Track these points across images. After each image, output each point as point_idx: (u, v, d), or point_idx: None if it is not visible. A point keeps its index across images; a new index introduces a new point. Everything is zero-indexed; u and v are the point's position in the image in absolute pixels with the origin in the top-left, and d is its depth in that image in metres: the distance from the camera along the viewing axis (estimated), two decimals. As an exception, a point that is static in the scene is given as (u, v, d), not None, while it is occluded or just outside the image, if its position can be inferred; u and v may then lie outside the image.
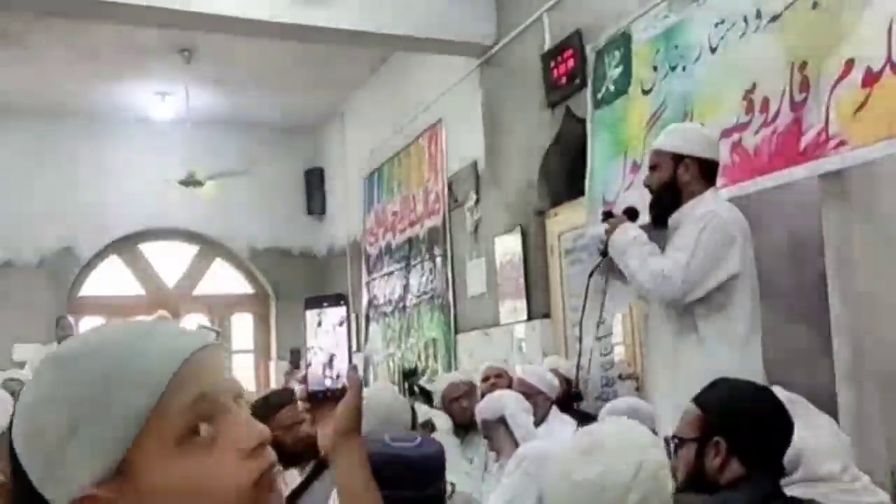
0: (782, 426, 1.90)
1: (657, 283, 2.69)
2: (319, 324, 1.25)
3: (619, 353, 4.83)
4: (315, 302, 1.26)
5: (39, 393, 0.73)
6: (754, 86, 3.70)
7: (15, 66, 7.54)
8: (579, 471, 1.55)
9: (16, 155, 8.70)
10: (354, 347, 8.33)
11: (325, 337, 1.24)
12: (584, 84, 4.99)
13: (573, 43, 5.10)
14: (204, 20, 5.55)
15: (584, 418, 4.03)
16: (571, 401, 4.47)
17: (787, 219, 4.11)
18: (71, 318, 8.06)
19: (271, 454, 0.78)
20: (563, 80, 5.19)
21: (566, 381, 4.50)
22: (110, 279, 9.48)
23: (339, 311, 1.24)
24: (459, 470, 3.79)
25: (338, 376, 1.22)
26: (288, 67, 7.83)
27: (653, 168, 2.90)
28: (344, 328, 1.24)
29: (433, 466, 1.99)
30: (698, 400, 1.99)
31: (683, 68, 4.17)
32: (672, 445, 1.97)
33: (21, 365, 7.79)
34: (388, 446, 1.97)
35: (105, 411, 0.71)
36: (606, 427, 1.81)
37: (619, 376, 4.77)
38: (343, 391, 1.21)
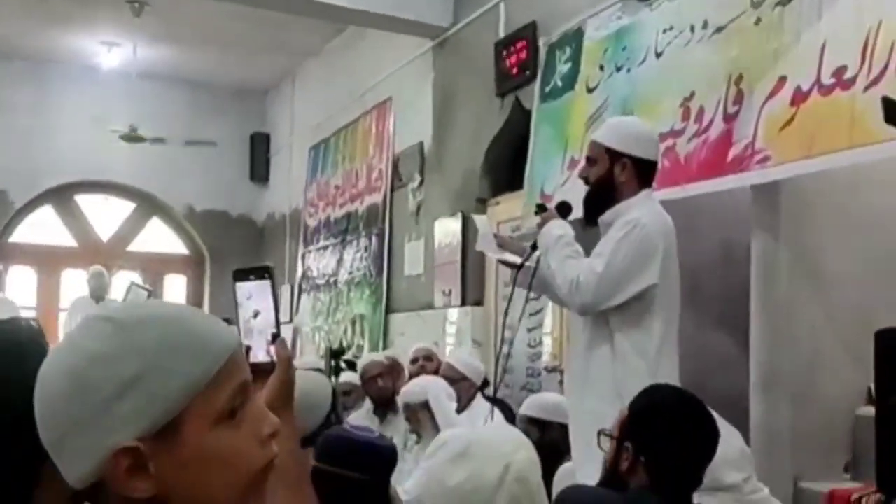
0: (700, 440, 1.93)
1: (570, 290, 2.62)
2: (249, 297, 1.26)
3: (546, 345, 4.91)
4: (242, 274, 1.27)
5: (95, 348, 0.79)
6: (692, 94, 3.77)
7: (-42, 5, 7.29)
8: (450, 476, 1.59)
9: (-48, 93, 8.42)
10: (286, 319, 8.34)
11: (256, 309, 1.25)
12: (534, 76, 5.02)
13: (527, 34, 5.12)
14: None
15: (501, 407, 4.08)
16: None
17: (720, 227, 4.21)
18: (0, 265, 7.86)
19: (275, 445, 0.86)
20: (515, 70, 5.22)
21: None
22: (42, 228, 9.24)
23: (265, 285, 1.25)
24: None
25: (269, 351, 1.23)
26: (240, 29, 7.70)
27: (589, 161, 2.81)
28: (271, 301, 1.25)
29: (394, 458, 2.22)
30: (632, 401, 2.04)
31: (628, 70, 4.23)
32: (600, 438, 2.04)
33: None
34: (357, 434, 2.17)
35: (165, 375, 0.78)
36: (476, 432, 1.87)
37: (546, 368, 4.85)
38: (273, 365, 1.22)
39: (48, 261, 9.21)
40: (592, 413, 2.49)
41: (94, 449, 0.78)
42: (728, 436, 2.24)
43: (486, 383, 4.28)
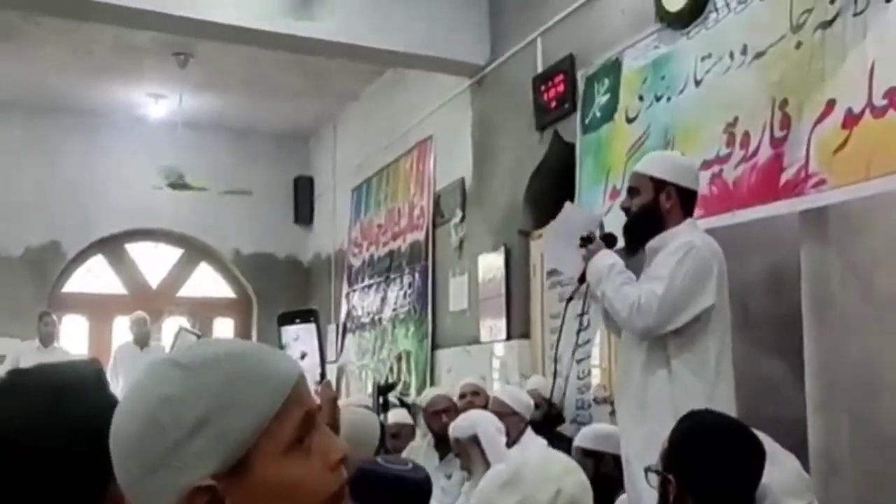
0: (744, 462, 1.88)
1: (631, 313, 2.65)
2: (296, 338, 1.28)
3: (595, 376, 4.87)
4: (288, 318, 1.29)
5: (164, 392, 0.81)
6: (736, 119, 3.76)
7: (9, 60, 7.55)
8: (500, 503, 1.58)
9: (7, 148, 8.67)
10: (332, 358, 8.39)
11: (302, 351, 1.27)
12: (573, 109, 5.05)
13: (564, 68, 5.16)
14: (199, 27, 5.59)
15: (561, 441, 4.06)
16: (553, 423, 4.49)
17: (767, 251, 4.16)
18: (54, 315, 8.02)
19: (345, 470, 0.88)
20: (553, 103, 5.25)
21: (548, 403, 4.52)
22: (94, 277, 9.44)
23: (311, 328, 1.27)
24: (437, 485, 3.81)
25: (316, 392, 1.25)
26: (282, 77, 7.87)
27: (632, 191, 2.86)
28: (316, 343, 1.27)
29: (426, 489, 2.18)
30: (671, 432, 2.01)
31: (668, 99, 4.23)
32: (647, 475, 2.00)
33: (0, 359, 7.76)
34: (387, 468, 2.14)
35: (233, 413, 0.80)
36: (525, 458, 1.85)
37: (595, 400, 4.80)
38: (319, 407, 1.24)
39: (100, 309, 9.39)
40: (652, 434, 2.47)
41: (170, 489, 0.80)
42: (784, 461, 2.19)
43: (559, 419, 4.26)
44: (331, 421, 1.23)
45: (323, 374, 1.29)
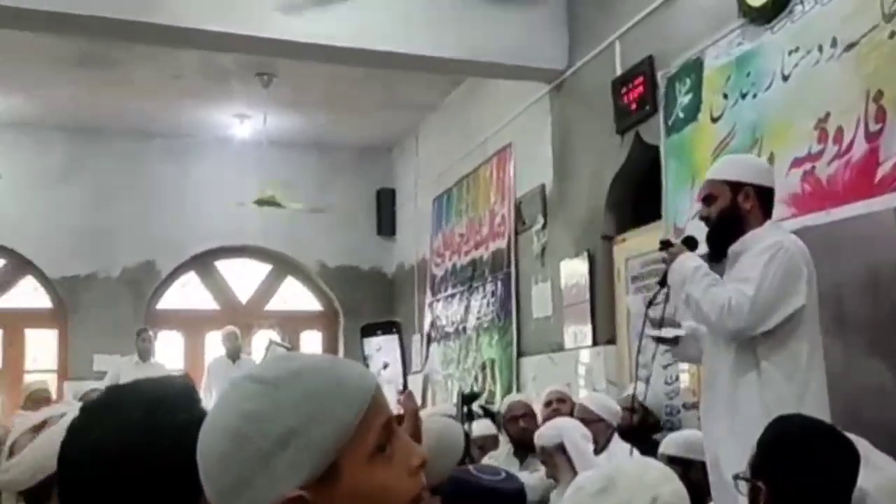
0: (839, 470, 1.82)
1: (721, 315, 2.60)
2: (378, 349, 1.30)
3: (684, 381, 4.76)
4: (370, 329, 1.32)
5: (249, 408, 0.84)
6: (827, 115, 3.63)
7: (105, 89, 7.89)
8: None
9: (103, 173, 9.04)
10: (416, 368, 8.43)
11: (385, 362, 1.28)
12: (654, 110, 4.97)
13: (644, 69, 5.08)
14: (281, 46, 5.71)
15: (653, 448, 3.96)
16: (649, 430, 4.39)
17: (864, 250, 3.99)
18: (151, 331, 8.31)
19: (423, 475, 0.90)
20: (633, 106, 5.18)
21: (644, 410, 4.43)
22: (187, 294, 9.76)
23: (393, 339, 1.28)
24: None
25: (398, 402, 1.26)
26: (363, 92, 7.99)
27: (708, 199, 2.82)
28: (399, 355, 1.28)
29: (520, 499, 2.15)
30: (759, 438, 1.95)
31: (754, 96, 4.12)
32: (736, 483, 1.94)
33: (101, 375, 8.07)
34: (479, 478, 2.11)
35: (317, 425, 0.83)
36: (620, 465, 1.81)
37: (684, 405, 4.69)
38: (401, 418, 1.25)
39: (193, 324, 9.69)
40: (741, 440, 2.40)
41: (261, 502, 0.82)
42: (882, 464, 2.11)
43: (657, 426, 4.19)
44: (413, 430, 1.25)
45: (405, 384, 1.30)
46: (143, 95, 8.08)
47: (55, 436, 1.38)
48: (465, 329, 7.70)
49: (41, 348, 9.27)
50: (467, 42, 5.92)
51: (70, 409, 1.73)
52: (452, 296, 8.03)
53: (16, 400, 6.28)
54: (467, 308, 7.68)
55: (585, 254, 5.73)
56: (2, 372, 8.93)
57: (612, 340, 5.49)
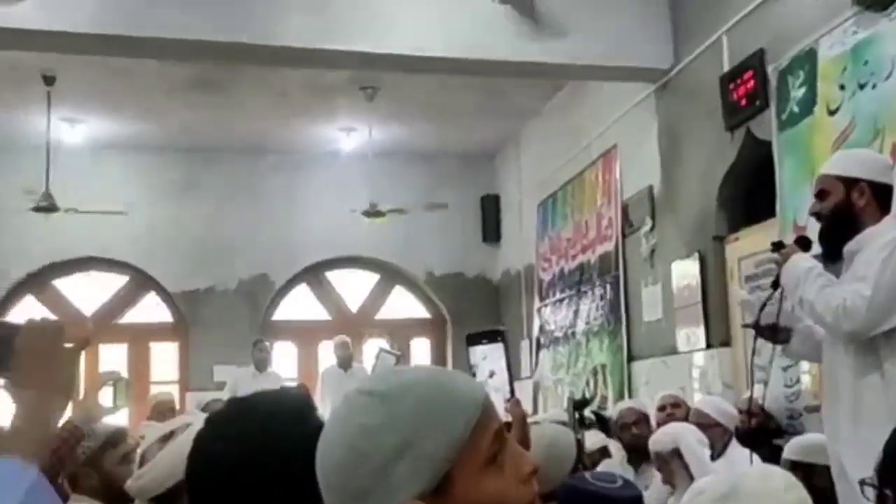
0: None
1: (837, 316, 2.52)
2: (484, 357, 1.32)
3: (805, 383, 4.59)
4: (475, 338, 1.33)
5: (363, 421, 0.86)
6: (955, 101, 3.45)
7: (218, 111, 8.23)
8: None
9: (218, 190, 9.42)
10: (525, 374, 8.40)
11: (491, 370, 1.30)
12: (765, 105, 4.82)
13: (753, 63, 4.94)
14: (385, 60, 5.82)
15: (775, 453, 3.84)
16: (770, 435, 4.25)
17: None
18: (267, 342, 8.57)
19: (535, 483, 0.91)
20: (743, 101, 5.04)
21: (765, 414, 4.30)
22: (300, 304, 10.03)
23: (498, 347, 1.30)
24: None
25: (505, 410, 1.27)
26: (465, 100, 8.05)
27: (820, 195, 2.73)
28: (504, 363, 1.29)
29: None
30: (886, 442, 1.87)
31: (873, 86, 3.95)
32: (862, 489, 1.87)
33: (220, 385, 8.37)
34: (594, 485, 2.07)
35: (432, 435, 0.85)
36: (742, 472, 1.76)
37: (806, 408, 4.52)
38: (508, 425, 1.26)
39: (306, 334, 9.95)
40: (867, 444, 2.30)
41: None
42: None
43: (779, 432, 4.07)
44: (521, 437, 1.26)
45: (512, 392, 1.31)
46: (252, 115, 8.38)
47: (182, 445, 1.48)
48: (573, 334, 7.65)
49: (164, 361, 9.70)
50: (569, 46, 5.88)
51: (195, 420, 1.85)
52: (561, 300, 7.99)
53: (142, 411, 6.57)
54: (576, 312, 7.63)
55: (696, 254, 5.61)
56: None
57: (726, 342, 5.34)
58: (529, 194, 8.92)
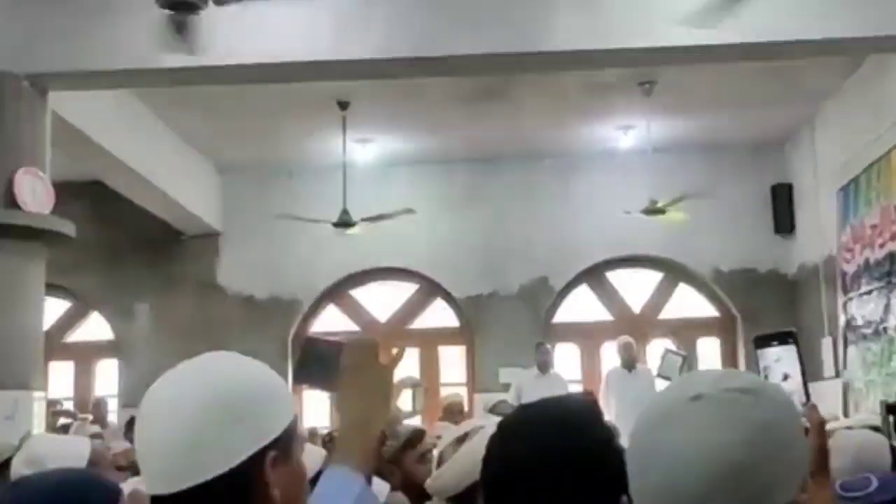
0: None
1: None
2: (777, 360, 1.33)
3: None
4: (764, 340, 1.35)
5: (772, 416, 0.89)
6: None
7: (500, 119, 8.49)
8: None
9: (498, 197, 9.70)
10: (830, 374, 7.82)
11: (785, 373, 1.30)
12: None
13: None
14: (664, 54, 5.67)
15: None
16: None
17: None
18: (548, 344, 8.68)
19: None
20: None
21: None
22: (581, 306, 10.06)
23: (791, 349, 1.29)
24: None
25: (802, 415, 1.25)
26: (750, 86, 7.68)
27: None
28: (798, 366, 1.28)
29: None
30: None
31: None
32: None
33: (506, 387, 8.60)
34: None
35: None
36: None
37: None
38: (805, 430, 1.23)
39: (588, 336, 9.98)
40: None
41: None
42: None
43: None
44: (819, 444, 1.22)
45: (807, 396, 1.31)
46: (530, 120, 8.54)
47: (476, 447, 1.57)
48: (885, 329, 7.13)
49: (451, 363, 10.16)
50: (867, 17, 5.37)
51: (487, 423, 1.96)
52: (868, 293, 7.46)
53: (434, 412, 6.90)
54: (886, 306, 7.11)
55: None
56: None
57: None
58: (826, 181, 8.36)
